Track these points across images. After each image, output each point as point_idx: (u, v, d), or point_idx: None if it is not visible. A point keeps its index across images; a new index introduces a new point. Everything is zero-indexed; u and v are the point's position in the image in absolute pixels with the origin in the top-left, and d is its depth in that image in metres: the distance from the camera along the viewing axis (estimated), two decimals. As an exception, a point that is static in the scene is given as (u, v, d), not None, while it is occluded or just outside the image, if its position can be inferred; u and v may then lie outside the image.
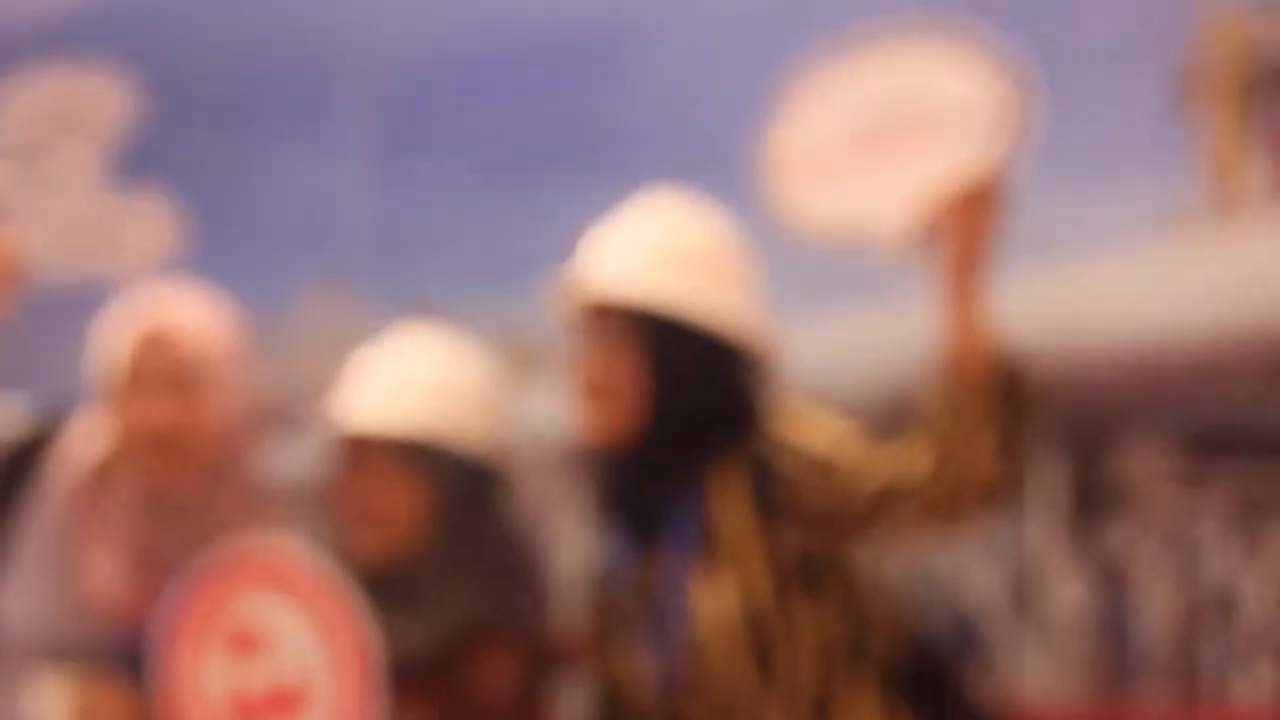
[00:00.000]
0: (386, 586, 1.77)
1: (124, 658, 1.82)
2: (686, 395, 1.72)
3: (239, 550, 1.70)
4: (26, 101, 1.94)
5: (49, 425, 1.97)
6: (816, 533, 1.68)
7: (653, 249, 1.76)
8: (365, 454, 1.82)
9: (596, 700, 1.86)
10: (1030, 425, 1.58)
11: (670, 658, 1.70)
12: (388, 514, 1.79)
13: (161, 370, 1.85)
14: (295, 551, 1.67)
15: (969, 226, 1.57)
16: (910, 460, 1.63)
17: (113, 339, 1.88)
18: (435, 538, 1.80)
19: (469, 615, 1.77)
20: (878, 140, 1.65)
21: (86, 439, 1.92)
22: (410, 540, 1.79)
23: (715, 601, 1.69)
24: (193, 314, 1.90)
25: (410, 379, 1.85)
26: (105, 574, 1.85)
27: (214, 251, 2.03)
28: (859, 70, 1.68)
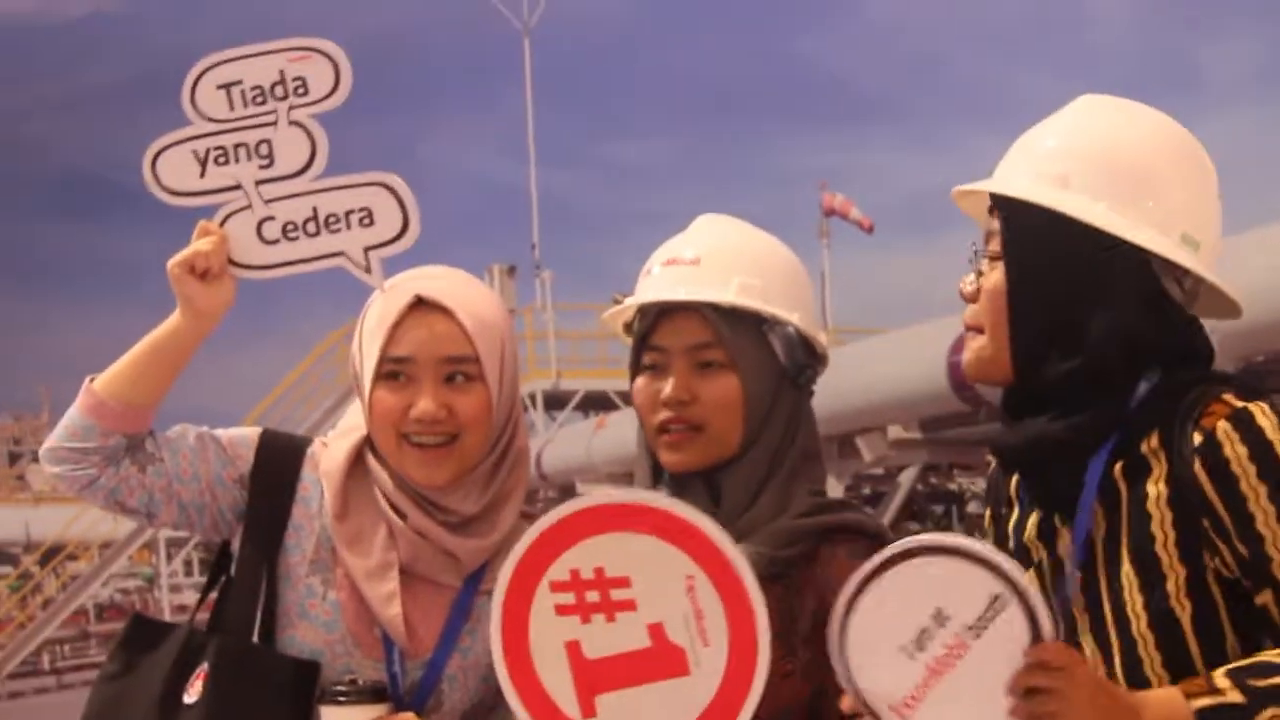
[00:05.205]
0: (706, 494, 1.58)
1: (402, 685, 1.67)
2: (1089, 325, 1.40)
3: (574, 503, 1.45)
4: (241, 80, 1.74)
5: (297, 439, 1.79)
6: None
7: (1070, 152, 1.44)
8: (676, 340, 1.60)
9: None
10: None
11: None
12: (701, 415, 1.58)
13: (441, 355, 1.66)
14: (626, 493, 1.44)
15: None
16: None
17: (381, 324, 1.67)
18: (757, 437, 1.58)
19: (813, 520, 1.56)
20: None
21: (348, 439, 1.73)
22: (728, 443, 1.58)
23: (1119, 595, 1.40)
24: (470, 293, 1.71)
25: (723, 251, 1.62)
26: (380, 593, 1.67)
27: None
28: None
